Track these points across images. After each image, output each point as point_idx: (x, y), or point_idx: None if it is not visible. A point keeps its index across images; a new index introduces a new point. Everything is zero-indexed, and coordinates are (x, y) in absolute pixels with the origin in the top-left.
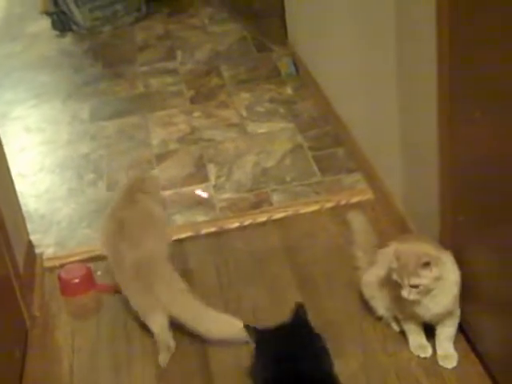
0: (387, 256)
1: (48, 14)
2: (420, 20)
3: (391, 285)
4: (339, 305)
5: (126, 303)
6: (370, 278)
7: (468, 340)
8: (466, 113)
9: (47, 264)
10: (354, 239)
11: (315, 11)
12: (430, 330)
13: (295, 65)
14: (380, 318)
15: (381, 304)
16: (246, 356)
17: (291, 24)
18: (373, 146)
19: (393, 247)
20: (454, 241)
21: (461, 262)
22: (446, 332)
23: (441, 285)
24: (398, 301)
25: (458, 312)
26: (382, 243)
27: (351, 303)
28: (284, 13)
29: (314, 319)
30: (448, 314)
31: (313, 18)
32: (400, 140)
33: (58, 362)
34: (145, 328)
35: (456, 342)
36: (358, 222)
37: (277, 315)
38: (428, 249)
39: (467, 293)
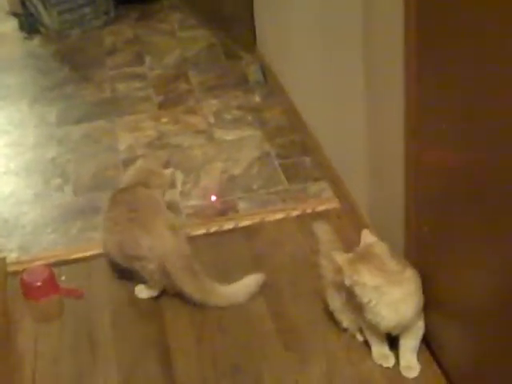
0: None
1: (16, 15)
2: (387, 35)
3: (348, 293)
4: (303, 312)
5: (89, 309)
6: (334, 290)
7: (431, 351)
8: (432, 124)
9: (10, 268)
10: (319, 248)
11: (283, 20)
12: (394, 341)
13: (263, 73)
14: (345, 330)
15: (345, 316)
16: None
17: (260, 32)
18: (339, 156)
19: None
20: (418, 252)
21: (425, 273)
22: (409, 344)
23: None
24: (356, 309)
25: (421, 324)
26: (347, 252)
27: (315, 311)
28: (253, 20)
29: (277, 325)
30: (409, 326)
31: (281, 26)
32: (366, 150)
33: (20, 369)
34: (108, 335)
35: (420, 353)
36: (323, 231)
37: (241, 322)
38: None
39: (431, 305)
